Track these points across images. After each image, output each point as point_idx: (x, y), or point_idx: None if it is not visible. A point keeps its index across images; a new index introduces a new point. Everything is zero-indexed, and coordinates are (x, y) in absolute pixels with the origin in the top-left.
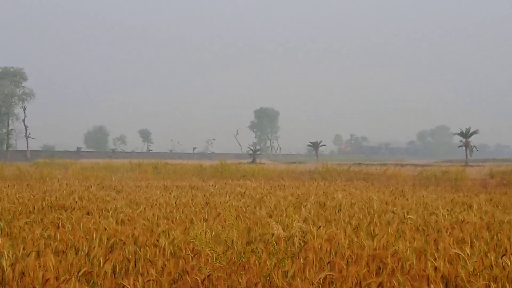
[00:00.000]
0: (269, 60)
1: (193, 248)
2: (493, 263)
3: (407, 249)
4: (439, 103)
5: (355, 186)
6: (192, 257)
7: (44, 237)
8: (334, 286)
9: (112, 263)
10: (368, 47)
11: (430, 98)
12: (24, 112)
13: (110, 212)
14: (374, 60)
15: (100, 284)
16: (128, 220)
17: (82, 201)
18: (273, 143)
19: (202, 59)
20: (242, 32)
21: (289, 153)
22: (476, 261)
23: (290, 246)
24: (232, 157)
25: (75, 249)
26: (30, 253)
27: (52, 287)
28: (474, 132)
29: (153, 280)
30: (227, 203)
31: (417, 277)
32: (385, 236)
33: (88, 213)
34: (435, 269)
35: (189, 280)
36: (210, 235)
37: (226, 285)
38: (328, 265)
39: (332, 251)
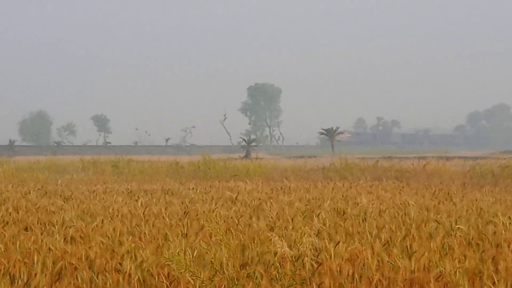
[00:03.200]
0: (265, 21)
1: (168, 273)
2: None
3: (456, 271)
4: (496, 74)
5: (384, 187)
6: (167, 285)
7: None
8: None
9: None
10: (401, 3)
11: (484, 68)
12: None
13: (56, 226)
14: (408, 21)
15: None
16: (81, 237)
17: (18, 213)
18: (273, 131)
19: (175, 24)
20: None
21: (295, 144)
22: None
23: (299, 269)
24: (218, 150)
25: (10, 276)
26: None
27: None
28: None
29: None
30: (213, 212)
31: None
32: (426, 253)
33: (26, 229)
34: None
35: None
36: (191, 256)
37: None
38: None
39: (356, 274)
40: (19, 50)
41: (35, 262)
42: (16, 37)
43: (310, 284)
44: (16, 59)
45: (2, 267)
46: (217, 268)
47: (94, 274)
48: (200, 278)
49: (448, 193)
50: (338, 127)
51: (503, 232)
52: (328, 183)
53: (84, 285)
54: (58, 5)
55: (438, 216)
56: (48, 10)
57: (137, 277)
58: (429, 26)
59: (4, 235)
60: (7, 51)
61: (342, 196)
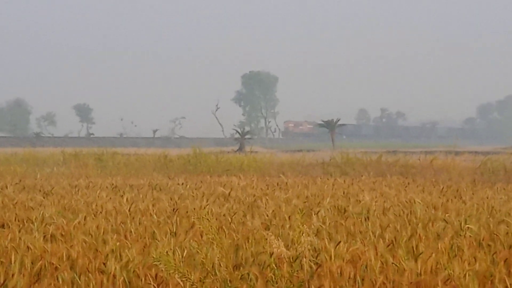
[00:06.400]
0: (260, 5)
1: (156, 275)
2: None
3: (465, 273)
4: (509, 63)
5: (388, 183)
6: (155, 287)
7: None
8: None
9: None
10: None
11: (496, 57)
12: None
13: (35, 223)
14: (415, 8)
15: None
16: (62, 235)
17: None
18: (269, 122)
19: (163, 8)
20: None
21: (292, 136)
22: None
23: (297, 271)
24: (210, 143)
25: None
26: None
27: None
28: None
29: None
30: (204, 209)
31: None
32: (433, 255)
33: (3, 226)
34: None
35: None
36: (180, 256)
37: None
38: None
39: (358, 277)
40: None
41: (13, 262)
42: None
43: (309, 287)
44: None
45: None
46: (208, 269)
47: (76, 275)
48: (190, 279)
49: (457, 191)
50: (339, 119)
51: None
52: (328, 179)
53: (65, 287)
54: None
55: (447, 215)
56: None
57: (122, 278)
58: (437, 13)
59: None
60: None
61: (343, 193)
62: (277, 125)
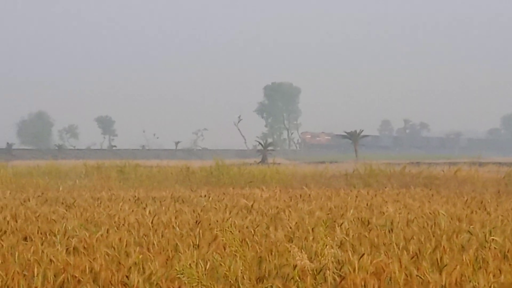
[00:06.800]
0: (282, 16)
1: (179, 287)
2: None
3: (490, 286)
4: None
5: (412, 195)
6: None
7: None
8: None
9: None
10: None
11: None
12: None
13: (58, 236)
14: (437, 16)
15: None
16: (84, 247)
17: (16, 221)
18: (291, 134)
19: (186, 18)
20: None
21: (309, 148)
22: None
23: (321, 283)
24: (232, 155)
25: None
26: None
27: None
28: None
29: None
30: (227, 221)
31: None
32: (458, 267)
33: (26, 239)
34: None
35: None
36: (203, 268)
37: None
38: None
39: None
40: (17, 46)
41: (35, 275)
42: (14, 33)
43: None
44: (14, 56)
45: (0, 280)
46: (231, 281)
47: None
48: None
49: (482, 202)
50: (362, 130)
51: None
52: (351, 191)
53: None
54: (58, 1)
55: (471, 226)
56: (48, 6)
57: None
58: (461, 23)
59: (2, 245)
60: (5, 48)
61: (367, 205)
62: (299, 137)
